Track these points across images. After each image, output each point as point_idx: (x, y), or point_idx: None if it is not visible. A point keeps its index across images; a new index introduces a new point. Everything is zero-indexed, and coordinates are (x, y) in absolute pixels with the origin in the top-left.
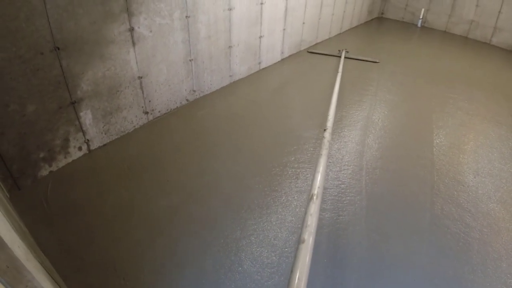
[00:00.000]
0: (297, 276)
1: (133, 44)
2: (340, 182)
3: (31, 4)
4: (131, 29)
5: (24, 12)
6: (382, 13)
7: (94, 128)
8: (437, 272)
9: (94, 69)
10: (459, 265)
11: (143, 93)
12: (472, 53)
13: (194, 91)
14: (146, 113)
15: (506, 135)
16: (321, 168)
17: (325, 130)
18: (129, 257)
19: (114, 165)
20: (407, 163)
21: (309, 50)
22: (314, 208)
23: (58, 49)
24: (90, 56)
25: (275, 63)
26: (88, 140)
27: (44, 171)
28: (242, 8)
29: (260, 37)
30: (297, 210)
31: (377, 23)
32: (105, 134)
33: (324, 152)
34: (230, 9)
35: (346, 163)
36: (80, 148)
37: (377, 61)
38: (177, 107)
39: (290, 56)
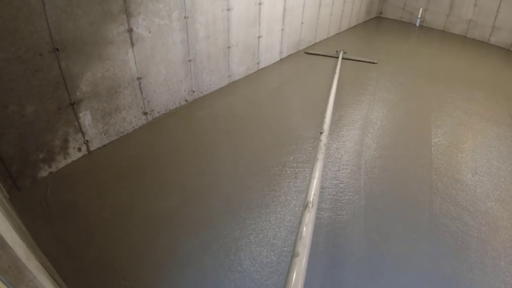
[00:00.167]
0: None
1: (132, 44)
2: (339, 182)
3: (30, 5)
4: (130, 30)
5: (23, 13)
6: (381, 13)
7: (93, 129)
8: (436, 271)
9: (93, 70)
10: (458, 264)
11: (142, 93)
12: (471, 52)
13: (193, 91)
14: (145, 113)
15: (504, 134)
16: (317, 173)
17: (321, 133)
18: (129, 257)
19: (113, 166)
20: (405, 163)
21: (307, 51)
22: (309, 218)
23: (57, 50)
24: (89, 57)
25: (273, 63)
26: (87, 141)
27: (44, 172)
28: (241, 8)
29: (259, 37)
30: (296, 209)
31: (376, 22)
32: (105, 135)
33: (320, 156)
34: (228, 10)
35: (345, 162)
36: (79, 149)
37: (375, 61)
38: (176, 107)
39: (289, 56)
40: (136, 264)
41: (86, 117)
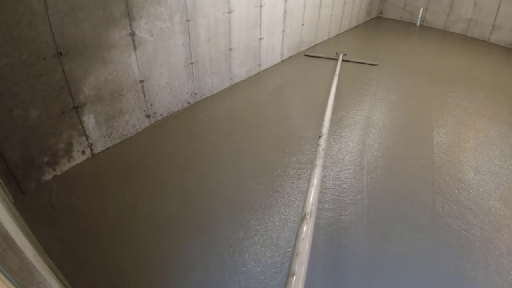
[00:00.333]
0: None
1: (135, 48)
2: (341, 182)
3: (33, 9)
4: (132, 34)
5: (26, 18)
6: (381, 13)
7: (97, 132)
8: (439, 270)
9: (96, 74)
10: (461, 263)
11: (145, 96)
12: (471, 51)
13: (195, 93)
14: (148, 116)
15: (506, 133)
16: (315, 180)
17: (320, 137)
18: (134, 258)
19: (117, 169)
20: (407, 162)
21: (306, 53)
22: (307, 231)
23: (61, 54)
24: (92, 60)
25: (275, 65)
26: (91, 144)
27: (48, 175)
28: (242, 10)
29: (260, 39)
30: (300, 210)
31: (376, 23)
32: (108, 138)
33: (319, 162)
34: (229, 12)
35: (347, 162)
36: (83, 152)
37: (375, 63)
38: (178, 110)
39: (290, 57)
40: (141, 266)
41: (89, 121)
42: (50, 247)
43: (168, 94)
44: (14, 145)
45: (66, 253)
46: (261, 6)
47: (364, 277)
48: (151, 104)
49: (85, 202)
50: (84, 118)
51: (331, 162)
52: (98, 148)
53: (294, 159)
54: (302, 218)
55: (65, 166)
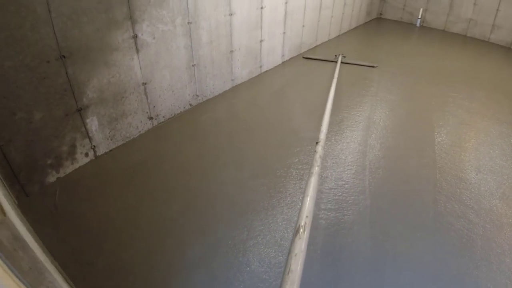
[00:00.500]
0: None
1: (137, 50)
2: (344, 182)
3: (36, 13)
4: (135, 36)
5: (29, 21)
6: (381, 14)
7: (100, 134)
8: (442, 269)
9: (99, 76)
10: (463, 261)
11: (147, 99)
12: (471, 51)
13: (197, 95)
14: (151, 118)
15: (507, 132)
16: (310, 190)
17: (317, 143)
18: (138, 259)
19: (120, 170)
20: (409, 162)
21: (305, 56)
22: (300, 246)
23: (64, 57)
24: (95, 63)
25: (276, 66)
26: (94, 146)
27: (52, 178)
28: (243, 13)
29: (261, 41)
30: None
31: (376, 24)
32: (111, 140)
33: (315, 170)
34: (231, 14)
35: (349, 163)
36: (86, 154)
37: (375, 65)
38: (180, 112)
39: (290, 59)
40: (145, 267)
41: (93, 123)
42: (54, 249)
43: (170, 96)
44: (18, 148)
45: (70, 255)
46: (262, 8)
47: (367, 276)
48: (154, 106)
49: (89, 204)
50: (88, 121)
51: (333, 163)
52: (101, 150)
53: (296, 160)
54: (296, 232)
55: (68, 168)
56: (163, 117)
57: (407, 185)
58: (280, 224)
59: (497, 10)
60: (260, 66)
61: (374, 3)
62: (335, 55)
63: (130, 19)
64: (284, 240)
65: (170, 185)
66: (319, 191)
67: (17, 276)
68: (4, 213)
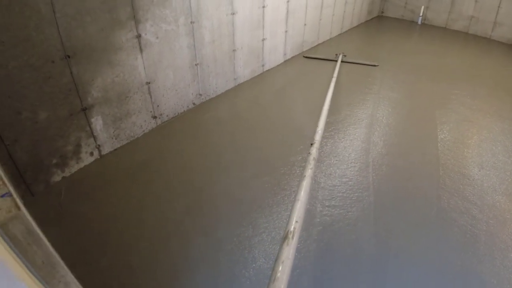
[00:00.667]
0: None
1: (141, 50)
2: (348, 179)
3: (40, 13)
4: (138, 36)
5: (33, 21)
6: (382, 12)
7: (104, 133)
8: (446, 264)
9: (104, 76)
10: (467, 257)
11: (151, 98)
12: (473, 48)
13: (200, 94)
14: (155, 117)
15: (509, 129)
16: (302, 194)
17: (312, 144)
18: (144, 257)
19: (125, 169)
20: (412, 159)
21: (305, 55)
22: (287, 253)
23: (69, 57)
24: (99, 63)
25: (278, 65)
26: (99, 145)
27: (57, 177)
28: (245, 12)
29: (263, 39)
30: (308, 207)
31: (377, 22)
32: (116, 139)
33: (308, 173)
34: (233, 14)
35: (353, 160)
36: (91, 154)
37: (376, 64)
38: (184, 111)
39: (292, 57)
40: (151, 264)
41: (97, 122)
42: (60, 248)
43: (173, 95)
44: (23, 148)
45: (76, 253)
46: (264, 7)
47: (371, 272)
48: (157, 106)
49: (94, 203)
50: (92, 120)
51: (337, 160)
52: (106, 150)
53: (300, 157)
54: (284, 238)
55: (73, 167)
56: (167, 116)
57: (411, 182)
58: (285, 221)
59: (499, 7)
60: (262, 65)
61: (375, 1)
62: (336, 54)
63: (134, 18)
64: None
65: (174, 184)
66: (323, 188)
67: (30, 271)
68: (18, 207)
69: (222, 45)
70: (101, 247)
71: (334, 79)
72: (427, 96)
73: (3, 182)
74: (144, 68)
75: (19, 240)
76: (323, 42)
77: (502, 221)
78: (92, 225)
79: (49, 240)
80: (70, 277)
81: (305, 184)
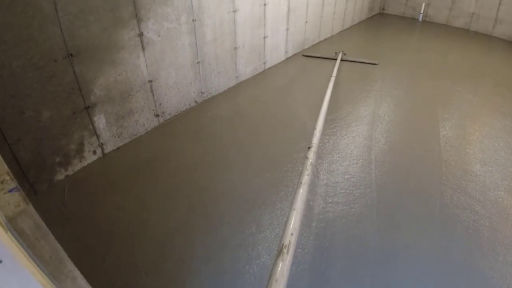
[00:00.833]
0: None
1: (143, 48)
2: (350, 176)
3: (43, 12)
4: (141, 34)
5: (36, 20)
6: (383, 9)
7: (107, 132)
8: (449, 259)
9: (106, 75)
10: (470, 252)
11: (153, 96)
12: (474, 45)
13: (202, 92)
14: (157, 116)
15: (511, 125)
16: (298, 203)
17: (309, 148)
18: (149, 254)
19: (128, 168)
20: (415, 156)
21: (305, 54)
22: (282, 270)
23: (71, 55)
24: (102, 62)
25: (279, 63)
26: (102, 144)
27: (60, 176)
28: (246, 9)
29: (264, 37)
30: (311, 203)
31: (378, 19)
32: (118, 137)
33: (305, 179)
34: (234, 11)
35: (355, 157)
36: (94, 152)
37: (376, 62)
38: (186, 109)
39: (294, 55)
40: (157, 261)
41: (100, 121)
42: (64, 247)
43: (176, 93)
44: (26, 146)
45: (81, 251)
46: (265, 4)
47: (375, 268)
48: (160, 104)
49: (98, 201)
50: (95, 119)
51: (339, 157)
52: (108, 148)
53: (302, 155)
54: (278, 252)
55: (76, 166)
56: (169, 114)
57: (413, 178)
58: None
59: (500, 4)
60: (264, 63)
61: None
62: (335, 53)
63: (136, 17)
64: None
65: (177, 182)
66: (326, 185)
67: (38, 265)
68: (26, 202)
69: (224, 43)
70: (105, 245)
71: (332, 78)
72: (428, 93)
73: (11, 177)
74: (146, 67)
75: (27, 235)
76: (325, 40)
77: (505, 217)
78: (95, 224)
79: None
80: (77, 272)
81: (302, 192)
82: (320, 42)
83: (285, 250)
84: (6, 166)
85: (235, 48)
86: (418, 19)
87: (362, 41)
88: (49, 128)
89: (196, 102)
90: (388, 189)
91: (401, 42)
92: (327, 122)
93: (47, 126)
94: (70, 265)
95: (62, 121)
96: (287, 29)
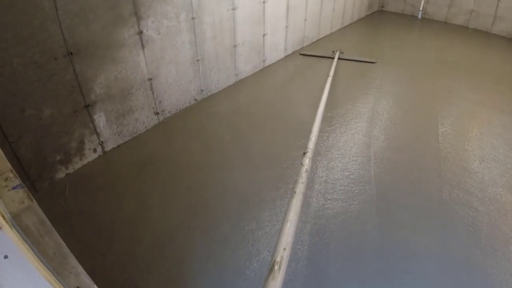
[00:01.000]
0: None
1: (143, 46)
2: (349, 173)
3: (43, 10)
4: (140, 32)
5: (37, 19)
6: (382, 6)
7: (107, 130)
8: (448, 255)
9: (106, 73)
10: (469, 248)
11: (153, 94)
12: (473, 43)
13: (202, 90)
14: (157, 113)
15: (509, 122)
16: (291, 215)
17: (304, 153)
18: (150, 252)
19: (128, 165)
20: (413, 153)
21: (302, 52)
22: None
23: (71, 54)
24: (102, 60)
25: (279, 60)
26: (102, 142)
27: (61, 174)
28: (246, 7)
29: (264, 35)
30: (310, 200)
31: (378, 16)
32: (119, 135)
33: (300, 188)
34: (234, 9)
35: (355, 154)
36: (95, 150)
37: (374, 61)
38: (186, 107)
39: (293, 53)
40: (158, 259)
41: (100, 119)
42: (66, 244)
43: (175, 91)
44: (27, 145)
45: (83, 249)
46: (264, 2)
47: (374, 263)
48: (160, 102)
49: (99, 199)
50: (95, 117)
51: (338, 154)
52: (109, 146)
53: (302, 152)
54: (270, 269)
55: (77, 164)
56: (169, 112)
57: (412, 175)
58: None
59: (499, 1)
60: (263, 61)
61: None
62: (333, 51)
63: (136, 15)
64: None
65: (177, 179)
66: (325, 182)
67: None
68: (31, 199)
69: (223, 40)
70: (106, 243)
71: (329, 79)
72: (428, 90)
73: (14, 175)
74: (146, 65)
75: (31, 231)
76: (324, 37)
77: (503, 213)
78: (97, 221)
79: None
80: (80, 268)
81: (295, 203)
82: (319, 39)
83: (276, 267)
84: (9, 164)
85: (235, 45)
86: (417, 16)
87: (361, 39)
88: (49, 126)
89: (195, 100)
90: (387, 186)
91: (400, 40)
92: (326, 119)
93: (47, 124)
94: (74, 261)
95: (63, 119)
96: (286, 26)
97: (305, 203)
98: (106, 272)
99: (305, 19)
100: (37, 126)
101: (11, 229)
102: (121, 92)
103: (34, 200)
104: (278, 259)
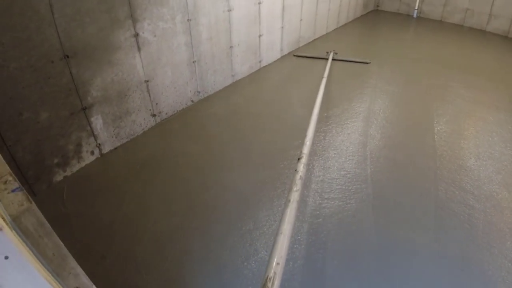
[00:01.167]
0: None
1: (139, 49)
2: (346, 172)
3: (40, 14)
4: (136, 35)
5: (34, 22)
6: (378, 6)
7: (105, 132)
8: (445, 253)
9: (103, 75)
10: (466, 245)
11: (150, 96)
12: (469, 41)
13: (199, 92)
14: (154, 115)
15: (505, 119)
16: (286, 226)
17: (299, 159)
18: (149, 253)
19: (126, 167)
20: (410, 151)
21: (296, 54)
22: None
23: (68, 57)
24: (98, 62)
25: (275, 61)
26: (99, 144)
27: (59, 176)
28: (241, 8)
29: (260, 36)
30: (306, 199)
31: (373, 16)
32: (116, 137)
33: (294, 196)
34: (229, 10)
35: (351, 153)
36: (92, 153)
37: (368, 61)
38: (183, 108)
39: (289, 53)
40: (157, 260)
41: (97, 121)
42: (65, 245)
43: (172, 93)
44: (25, 148)
45: (82, 250)
46: (260, 3)
47: (371, 262)
48: (156, 104)
49: (97, 201)
50: (92, 119)
51: (335, 153)
52: (106, 148)
53: (298, 151)
54: (262, 286)
55: (75, 166)
56: (166, 114)
57: (408, 173)
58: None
59: None
60: (260, 61)
61: None
62: (327, 52)
63: (131, 17)
64: None
65: (175, 180)
66: (322, 181)
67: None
68: (30, 201)
69: (220, 42)
70: (105, 244)
71: (324, 80)
72: (423, 89)
73: (13, 178)
74: (143, 67)
75: (31, 233)
76: (320, 37)
77: (499, 210)
78: (95, 223)
79: None
80: (80, 269)
81: (290, 212)
82: (315, 39)
83: (269, 284)
84: (8, 167)
85: (231, 46)
86: (412, 15)
87: (357, 38)
88: (47, 129)
89: (192, 101)
90: (384, 185)
91: (395, 39)
92: (322, 119)
93: (45, 127)
94: (73, 262)
95: (60, 122)
96: (282, 27)
97: (303, 203)
98: (106, 273)
99: (301, 19)
100: (35, 129)
101: (11, 230)
102: (118, 94)
103: (33, 202)
104: (271, 274)
